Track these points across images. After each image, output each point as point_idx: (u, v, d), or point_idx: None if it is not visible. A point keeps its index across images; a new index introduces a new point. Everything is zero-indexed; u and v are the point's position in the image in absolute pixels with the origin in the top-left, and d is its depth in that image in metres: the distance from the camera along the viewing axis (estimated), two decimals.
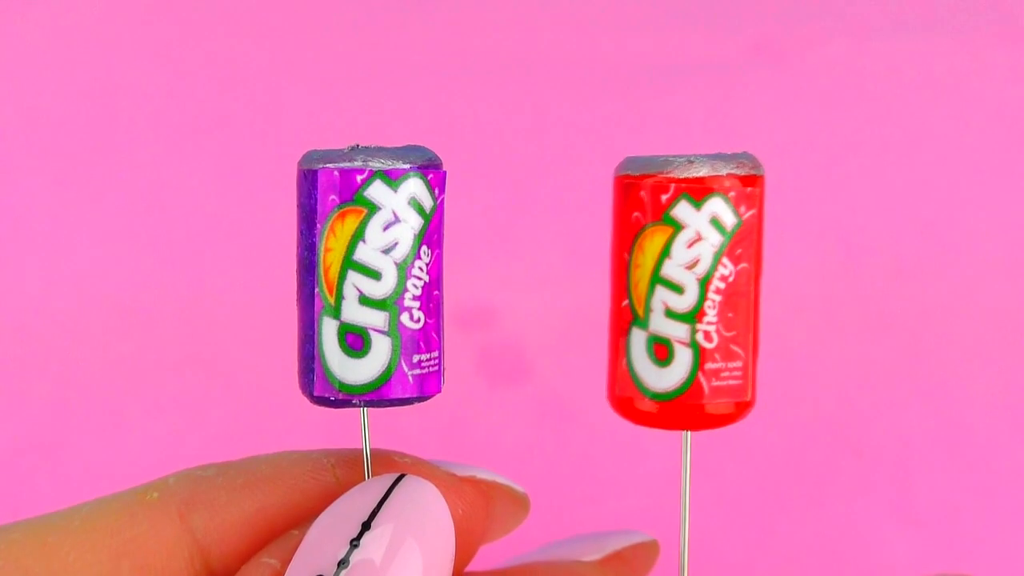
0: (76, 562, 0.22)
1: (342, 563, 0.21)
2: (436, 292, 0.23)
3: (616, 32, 0.48)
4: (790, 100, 0.46)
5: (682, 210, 0.22)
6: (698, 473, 0.39)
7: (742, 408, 0.23)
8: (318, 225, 0.23)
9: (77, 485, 0.40)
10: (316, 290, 0.23)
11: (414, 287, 0.23)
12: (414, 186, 0.23)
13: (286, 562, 0.23)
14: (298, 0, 0.50)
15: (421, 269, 0.23)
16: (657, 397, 0.22)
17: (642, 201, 0.22)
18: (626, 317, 0.23)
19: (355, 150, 0.23)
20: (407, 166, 0.23)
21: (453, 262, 0.37)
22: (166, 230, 0.45)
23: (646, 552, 0.27)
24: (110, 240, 0.45)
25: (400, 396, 0.23)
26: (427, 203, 0.23)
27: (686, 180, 0.22)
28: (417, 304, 0.23)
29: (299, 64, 0.49)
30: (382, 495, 0.22)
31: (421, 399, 0.23)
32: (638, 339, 0.22)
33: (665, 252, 0.22)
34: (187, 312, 0.44)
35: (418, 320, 0.23)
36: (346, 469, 0.24)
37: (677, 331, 0.22)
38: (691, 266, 0.22)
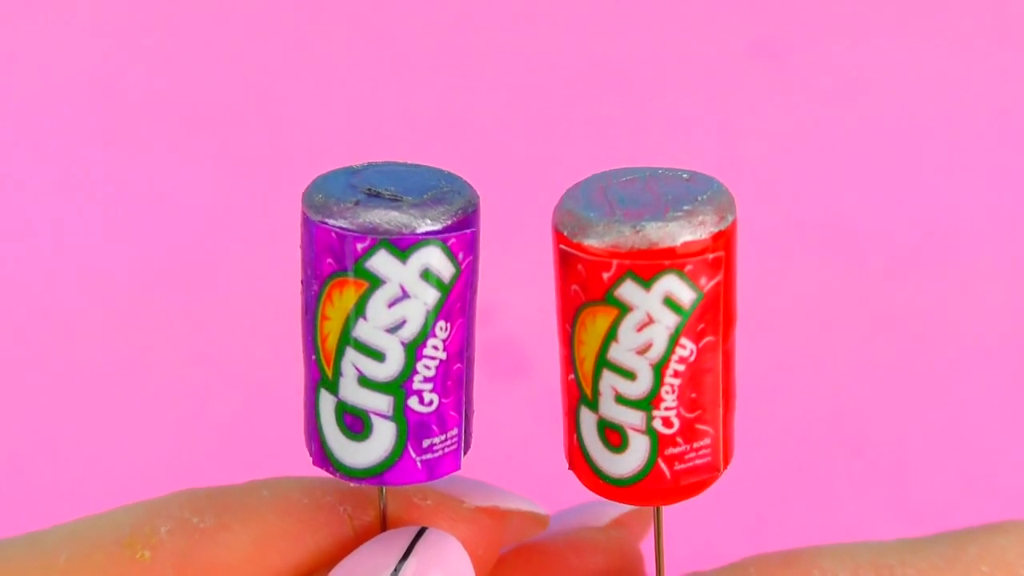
0: None
1: None
2: (457, 366, 0.20)
3: (615, 30, 0.46)
4: (789, 98, 0.45)
5: (628, 290, 0.18)
6: None
7: (719, 470, 0.20)
8: (315, 286, 0.19)
9: (77, 484, 0.39)
10: (313, 357, 0.20)
11: (426, 368, 0.19)
12: (429, 256, 0.19)
13: None
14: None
15: (436, 347, 0.19)
16: (614, 482, 0.19)
17: (579, 274, 0.18)
18: (574, 393, 0.19)
19: (366, 200, 0.19)
20: (423, 230, 0.19)
21: None
22: (169, 228, 0.45)
23: (642, 516, 0.26)
24: (113, 238, 0.45)
25: (406, 482, 0.20)
26: (446, 273, 0.19)
27: (631, 254, 0.18)
28: (429, 386, 0.19)
29: (309, 61, 0.48)
30: (404, 549, 0.21)
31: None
32: (588, 421, 0.19)
33: (611, 335, 0.18)
34: (190, 310, 0.43)
35: (430, 403, 0.20)
36: (362, 516, 0.22)
37: (630, 418, 0.19)
38: (643, 351, 0.18)
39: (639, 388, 0.18)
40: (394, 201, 0.19)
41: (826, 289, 0.43)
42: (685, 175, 0.19)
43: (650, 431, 0.19)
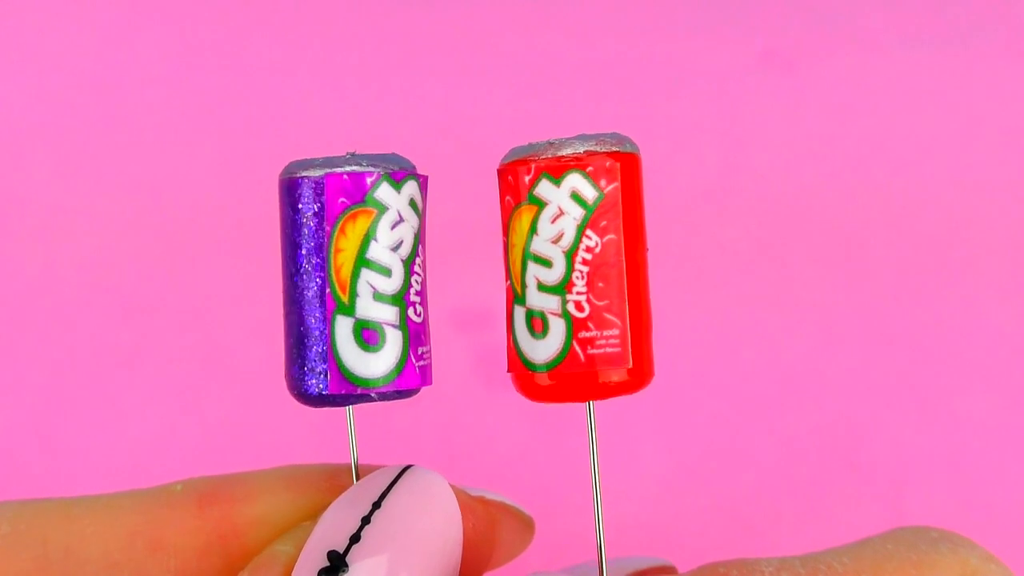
0: (92, 536, 0.24)
1: (354, 538, 0.22)
2: (426, 289, 0.25)
3: (625, 37, 0.47)
4: (799, 108, 0.45)
5: (543, 188, 0.23)
6: (692, 484, 0.38)
7: (639, 377, 0.24)
8: (327, 227, 0.25)
9: (73, 475, 0.41)
10: (328, 290, 0.25)
11: (416, 283, 0.25)
12: (412, 188, 0.24)
13: (300, 548, 0.24)
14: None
15: (420, 266, 0.25)
16: (537, 369, 0.23)
17: (511, 184, 0.23)
18: (510, 296, 0.24)
19: (353, 157, 0.25)
20: (404, 170, 0.25)
21: (452, 263, 0.37)
22: (167, 220, 0.45)
23: (664, 573, 0.28)
24: (110, 230, 0.45)
25: (411, 387, 0.24)
26: (420, 203, 0.25)
27: (546, 160, 0.23)
28: (419, 299, 0.25)
29: (300, 65, 0.48)
30: (392, 479, 0.24)
31: (415, 392, 0.25)
32: (519, 315, 0.23)
33: (532, 229, 0.23)
34: (186, 303, 0.44)
35: (420, 315, 0.25)
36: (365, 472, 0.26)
37: (549, 303, 0.23)
38: (556, 240, 0.23)
39: (555, 274, 0.23)
40: (368, 156, 0.25)
41: (828, 301, 0.43)
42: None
43: (565, 314, 0.23)
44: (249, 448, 0.41)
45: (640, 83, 0.46)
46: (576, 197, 0.23)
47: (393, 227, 0.24)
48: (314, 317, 0.25)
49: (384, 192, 0.24)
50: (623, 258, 0.23)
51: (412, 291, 0.24)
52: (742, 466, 0.40)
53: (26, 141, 0.47)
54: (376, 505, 0.23)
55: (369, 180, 0.24)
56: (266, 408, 0.41)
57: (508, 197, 0.24)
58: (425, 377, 0.25)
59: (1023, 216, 0.44)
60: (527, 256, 0.23)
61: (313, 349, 0.25)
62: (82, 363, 0.43)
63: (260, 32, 0.49)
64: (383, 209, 0.24)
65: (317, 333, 0.25)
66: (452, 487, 0.25)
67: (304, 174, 0.25)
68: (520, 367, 0.24)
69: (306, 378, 0.25)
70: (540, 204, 0.23)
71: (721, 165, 0.45)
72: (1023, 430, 0.41)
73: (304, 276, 0.25)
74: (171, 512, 0.25)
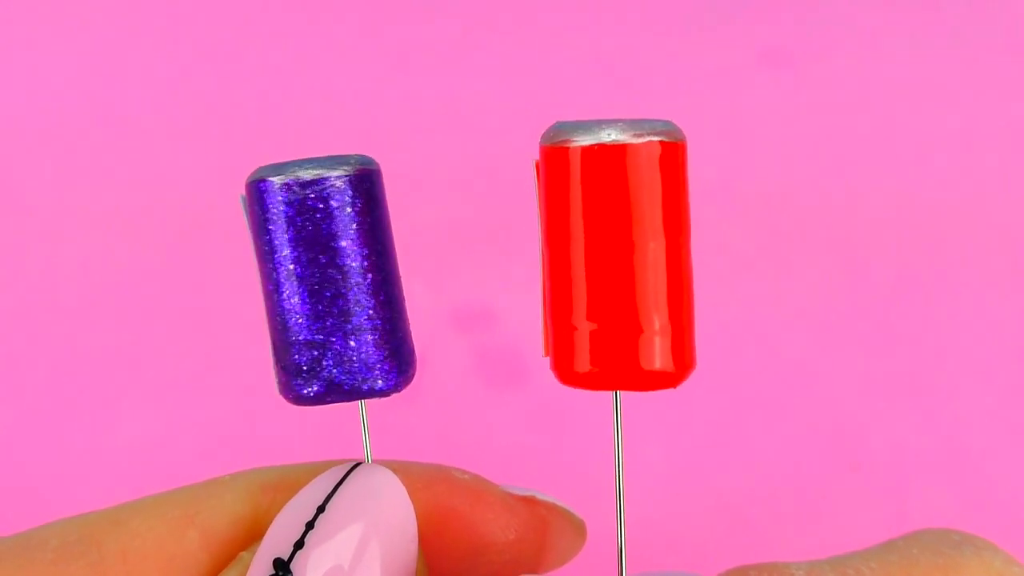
0: (146, 532, 0.24)
1: (298, 545, 0.22)
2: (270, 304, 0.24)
3: (625, 36, 0.47)
4: (799, 107, 0.45)
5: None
6: (692, 484, 0.38)
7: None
8: None
9: (73, 475, 0.41)
10: None
11: None
12: (242, 207, 0.24)
13: None
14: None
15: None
16: None
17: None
18: None
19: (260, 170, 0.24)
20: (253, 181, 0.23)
21: (453, 264, 0.37)
22: (168, 221, 0.46)
23: None
24: (109, 229, 0.46)
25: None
26: (248, 218, 0.23)
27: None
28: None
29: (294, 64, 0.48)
30: (338, 480, 0.24)
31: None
32: None
33: None
34: (187, 304, 0.44)
35: None
36: (405, 477, 0.25)
37: None
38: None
39: None
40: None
41: (829, 301, 0.43)
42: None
43: None
44: (251, 447, 0.41)
45: (640, 82, 0.46)
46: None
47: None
48: None
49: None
50: (546, 251, 0.23)
51: None
52: (742, 466, 0.40)
53: (27, 141, 0.47)
54: (320, 509, 0.23)
55: None
56: (267, 408, 0.41)
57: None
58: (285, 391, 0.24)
59: (1022, 216, 0.44)
60: None
61: None
62: (82, 363, 0.43)
63: (260, 32, 0.49)
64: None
65: None
66: (497, 486, 0.25)
67: None
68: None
69: None
70: None
71: (721, 164, 0.45)
72: (1023, 429, 0.41)
73: None
74: (220, 502, 0.25)
